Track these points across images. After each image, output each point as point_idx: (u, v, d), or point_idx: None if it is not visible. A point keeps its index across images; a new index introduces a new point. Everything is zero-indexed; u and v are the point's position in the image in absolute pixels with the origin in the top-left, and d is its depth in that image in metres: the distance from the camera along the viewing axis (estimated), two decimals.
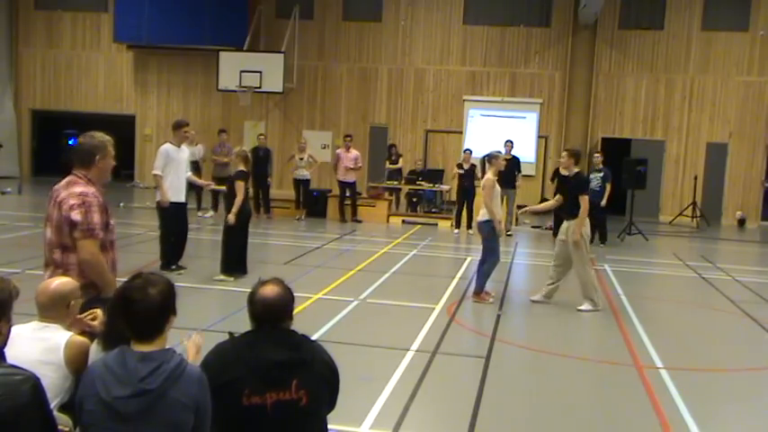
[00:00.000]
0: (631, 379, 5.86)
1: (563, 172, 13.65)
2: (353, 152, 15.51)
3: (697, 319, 8.49)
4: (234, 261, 8.98)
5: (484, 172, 8.60)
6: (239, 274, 8.96)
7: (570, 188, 8.30)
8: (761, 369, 6.42)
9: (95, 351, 3.00)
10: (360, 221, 15.41)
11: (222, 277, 8.81)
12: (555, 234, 13.82)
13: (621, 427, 4.98)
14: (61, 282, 3.36)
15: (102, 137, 4.06)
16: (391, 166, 17.04)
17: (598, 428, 4.95)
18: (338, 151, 15.71)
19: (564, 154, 8.60)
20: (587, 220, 8.23)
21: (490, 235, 8.33)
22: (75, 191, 3.93)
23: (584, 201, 8.07)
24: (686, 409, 5.16)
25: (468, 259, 11.07)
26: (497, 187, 8.40)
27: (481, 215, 8.45)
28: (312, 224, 14.94)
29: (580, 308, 8.13)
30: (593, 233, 13.62)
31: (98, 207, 3.95)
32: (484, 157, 8.80)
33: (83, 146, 4.02)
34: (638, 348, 6.73)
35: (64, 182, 4.01)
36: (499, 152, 8.74)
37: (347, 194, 15.47)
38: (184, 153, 9.31)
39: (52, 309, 3.26)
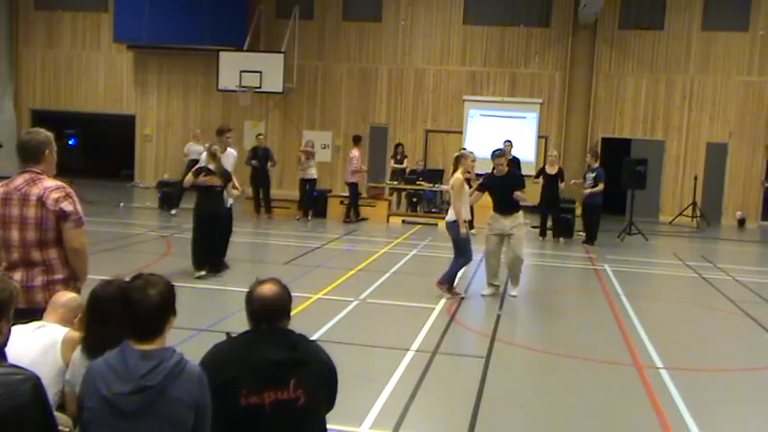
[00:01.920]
0: (631, 379, 5.87)
1: (549, 170, 13.76)
2: None
3: (697, 319, 8.50)
4: (201, 255, 8.97)
5: (455, 171, 8.47)
6: (208, 268, 8.95)
7: (504, 186, 8.44)
8: (761, 369, 6.42)
9: (80, 358, 3.01)
10: (365, 219, 15.50)
11: (198, 273, 8.84)
12: (541, 233, 13.89)
13: (621, 427, 4.98)
14: (71, 297, 3.51)
15: (46, 132, 4.06)
16: (396, 165, 17.02)
17: (598, 428, 4.95)
18: (358, 153, 15.34)
19: (501, 160, 8.61)
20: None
21: (459, 235, 8.34)
22: (48, 185, 3.91)
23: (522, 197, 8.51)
24: (686, 409, 5.16)
25: None
26: (466, 187, 8.39)
27: (449, 215, 8.44)
28: (313, 224, 14.94)
29: (514, 294, 8.38)
30: (590, 233, 13.73)
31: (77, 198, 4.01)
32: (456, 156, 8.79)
33: (30, 142, 4.00)
34: (638, 348, 6.73)
35: (22, 180, 3.93)
36: (470, 152, 8.80)
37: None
38: (228, 159, 9.41)
39: (57, 321, 3.36)
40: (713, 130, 18.70)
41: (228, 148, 9.54)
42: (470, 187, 8.67)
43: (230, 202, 9.31)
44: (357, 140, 15.65)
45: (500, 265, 8.75)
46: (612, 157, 17.49)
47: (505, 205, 8.49)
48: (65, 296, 3.50)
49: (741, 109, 18.51)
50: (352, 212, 15.39)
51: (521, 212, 8.61)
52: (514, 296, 8.44)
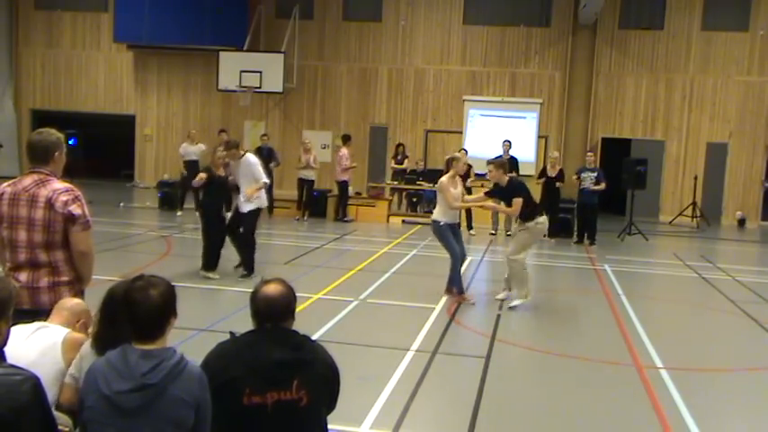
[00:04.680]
0: (631, 379, 5.87)
1: (551, 172, 13.76)
2: None
3: (697, 319, 8.50)
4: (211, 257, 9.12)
5: (446, 172, 8.40)
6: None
7: (507, 196, 8.26)
8: (761, 369, 6.42)
9: (89, 354, 3.01)
10: (352, 219, 15.66)
11: (207, 274, 8.94)
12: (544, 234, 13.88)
13: (621, 428, 4.98)
14: (77, 302, 3.56)
15: (57, 134, 4.03)
16: (397, 165, 17.04)
17: (598, 428, 4.95)
18: (347, 151, 15.67)
19: (490, 167, 8.39)
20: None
21: (440, 233, 8.30)
22: (57, 187, 3.91)
23: (517, 203, 8.09)
24: (686, 409, 5.16)
25: (469, 259, 11.05)
26: (458, 188, 8.35)
27: (433, 214, 8.36)
28: (312, 224, 14.95)
29: (515, 303, 8.07)
30: (583, 232, 13.73)
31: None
32: (448, 159, 8.63)
33: (41, 143, 3.96)
34: (638, 348, 6.73)
35: (31, 180, 3.93)
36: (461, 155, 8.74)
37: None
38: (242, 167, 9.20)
39: (60, 324, 3.37)
40: (713, 130, 18.70)
41: (248, 154, 9.32)
42: (464, 186, 8.54)
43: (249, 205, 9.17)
44: (347, 139, 15.98)
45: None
46: (612, 157, 17.51)
47: (520, 213, 8.32)
48: (71, 301, 3.56)
49: (741, 109, 18.50)
50: (340, 210, 15.56)
51: (543, 218, 8.28)
52: (515, 306, 8.10)
